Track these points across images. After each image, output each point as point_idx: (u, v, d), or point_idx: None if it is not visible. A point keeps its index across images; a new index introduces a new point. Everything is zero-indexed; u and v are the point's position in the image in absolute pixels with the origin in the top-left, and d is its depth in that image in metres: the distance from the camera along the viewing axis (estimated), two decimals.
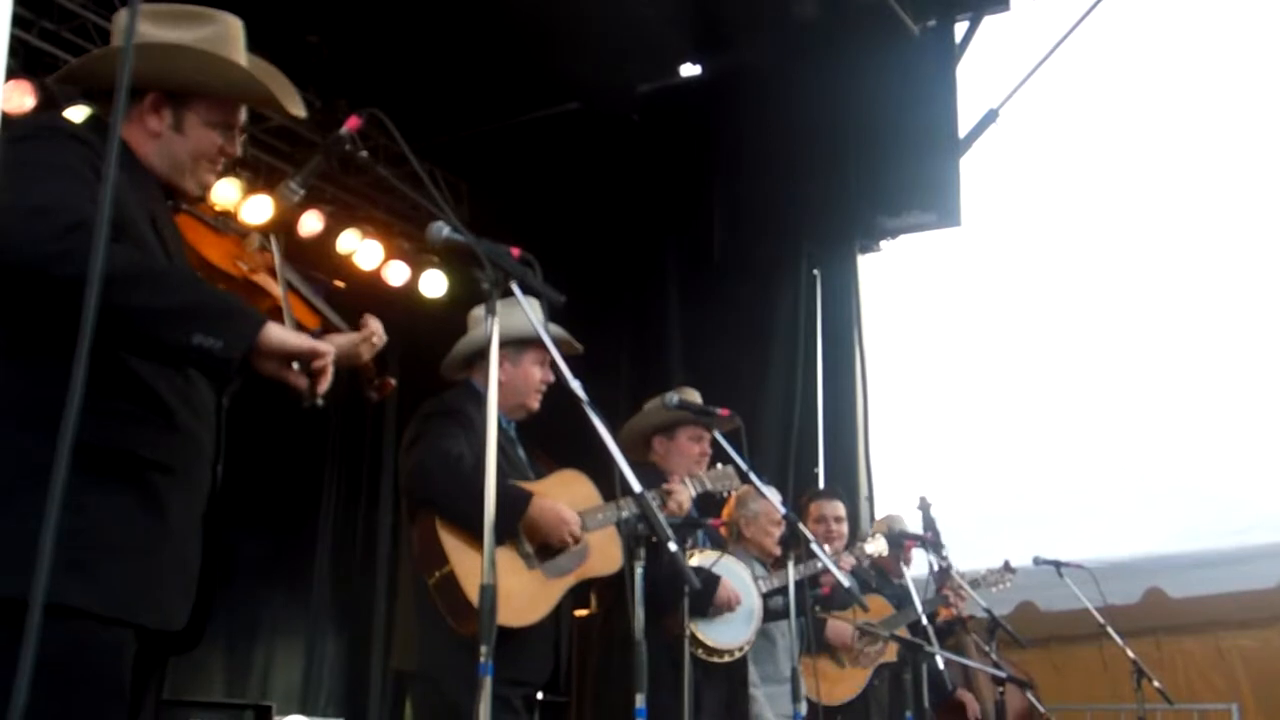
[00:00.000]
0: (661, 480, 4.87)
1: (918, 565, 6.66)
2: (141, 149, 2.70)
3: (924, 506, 7.02)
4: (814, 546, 4.95)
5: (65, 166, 2.42)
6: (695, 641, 4.80)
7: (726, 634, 4.86)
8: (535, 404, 4.29)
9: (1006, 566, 6.97)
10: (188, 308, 2.36)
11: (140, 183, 2.64)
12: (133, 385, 2.47)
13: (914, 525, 6.84)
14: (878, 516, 8.36)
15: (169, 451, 2.52)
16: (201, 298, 2.42)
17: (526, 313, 3.04)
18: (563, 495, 4.16)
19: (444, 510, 3.85)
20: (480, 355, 4.12)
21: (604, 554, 4.27)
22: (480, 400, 4.00)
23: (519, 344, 4.18)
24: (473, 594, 3.65)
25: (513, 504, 3.90)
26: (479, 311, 4.27)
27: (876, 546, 6.07)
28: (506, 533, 3.90)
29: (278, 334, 2.46)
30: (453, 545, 3.81)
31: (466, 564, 3.75)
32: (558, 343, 5.14)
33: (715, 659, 4.81)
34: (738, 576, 5.02)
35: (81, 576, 2.28)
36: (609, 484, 4.58)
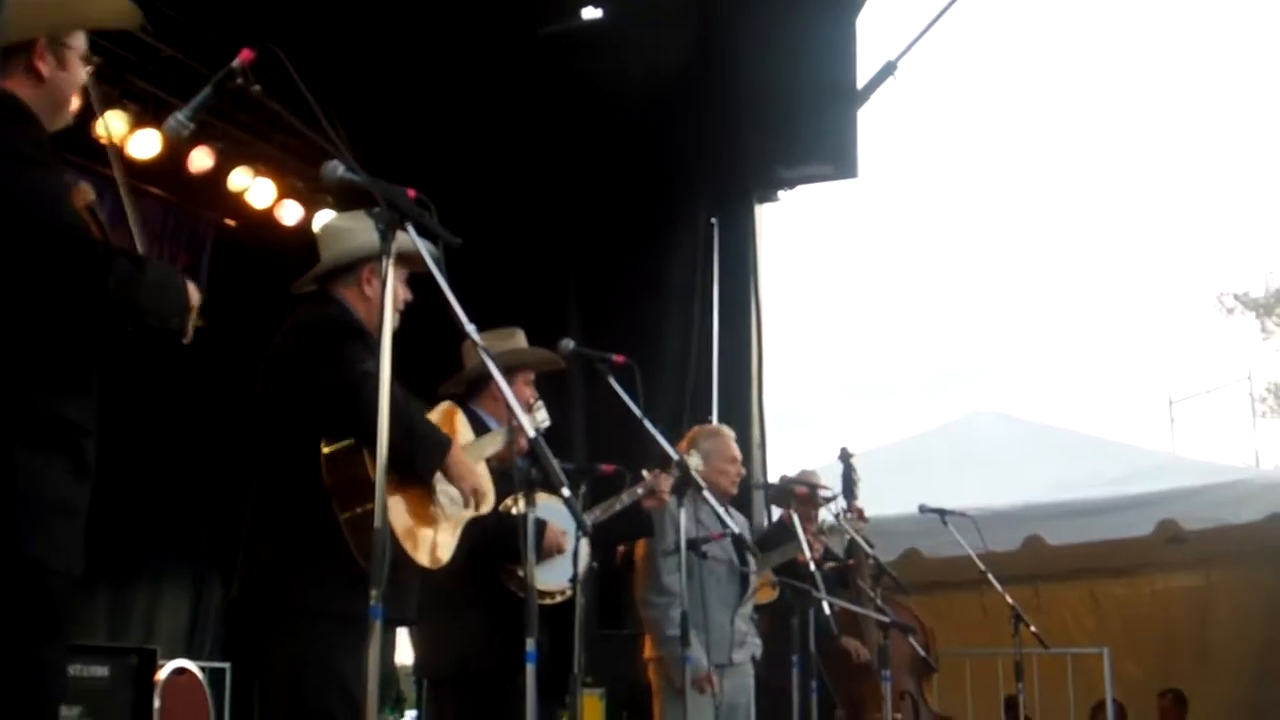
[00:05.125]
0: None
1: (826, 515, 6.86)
2: (27, 95, 2.74)
3: (844, 458, 7.14)
4: (706, 494, 5.02)
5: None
6: (522, 585, 4.77)
7: (553, 575, 4.88)
8: (396, 322, 4.20)
9: (860, 515, 7.04)
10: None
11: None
12: (62, 352, 2.70)
13: (832, 477, 6.98)
14: (770, 464, 8.49)
15: (89, 415, 2.78)
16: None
17: (418, 247, 3.01)
18: (444, 428, 4.13)
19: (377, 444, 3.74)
20: (350, 270, 4.04)
21: (481, 494, 4.23)
22: (350, 317, 3.96)
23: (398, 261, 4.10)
24: (400, 534, 3.66)
25: (438, 446, 3.86)
26: (339, 223, 4.21)
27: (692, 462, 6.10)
28: (431, 474, 3.86)
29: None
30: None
31: (394, 504, 3.67)
32: (544, 361, 5.25)
33: (544, 600, 4.83)
34: (563, 517, 5.03)
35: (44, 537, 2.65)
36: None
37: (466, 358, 5.19)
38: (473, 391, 5.18)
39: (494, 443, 4.55)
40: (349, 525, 3.61)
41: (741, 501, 6.85)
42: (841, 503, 6.90)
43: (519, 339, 5.40)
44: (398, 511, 3.72)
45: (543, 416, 4.98)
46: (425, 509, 3.90)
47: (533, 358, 5.31)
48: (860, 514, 7.03)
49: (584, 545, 5.07)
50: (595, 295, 8.54)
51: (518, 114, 8.72)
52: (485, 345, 5.13)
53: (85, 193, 2.85)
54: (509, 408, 3.11)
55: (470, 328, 3.06)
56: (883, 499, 7.84)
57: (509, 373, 5.19)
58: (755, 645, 6.19)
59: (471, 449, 4.30)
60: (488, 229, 7.64)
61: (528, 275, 8.53)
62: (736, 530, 5.52)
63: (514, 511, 4.57)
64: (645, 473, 5.45)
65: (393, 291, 2.88)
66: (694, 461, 5.81)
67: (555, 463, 3.05)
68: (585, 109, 8.62)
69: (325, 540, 3.61)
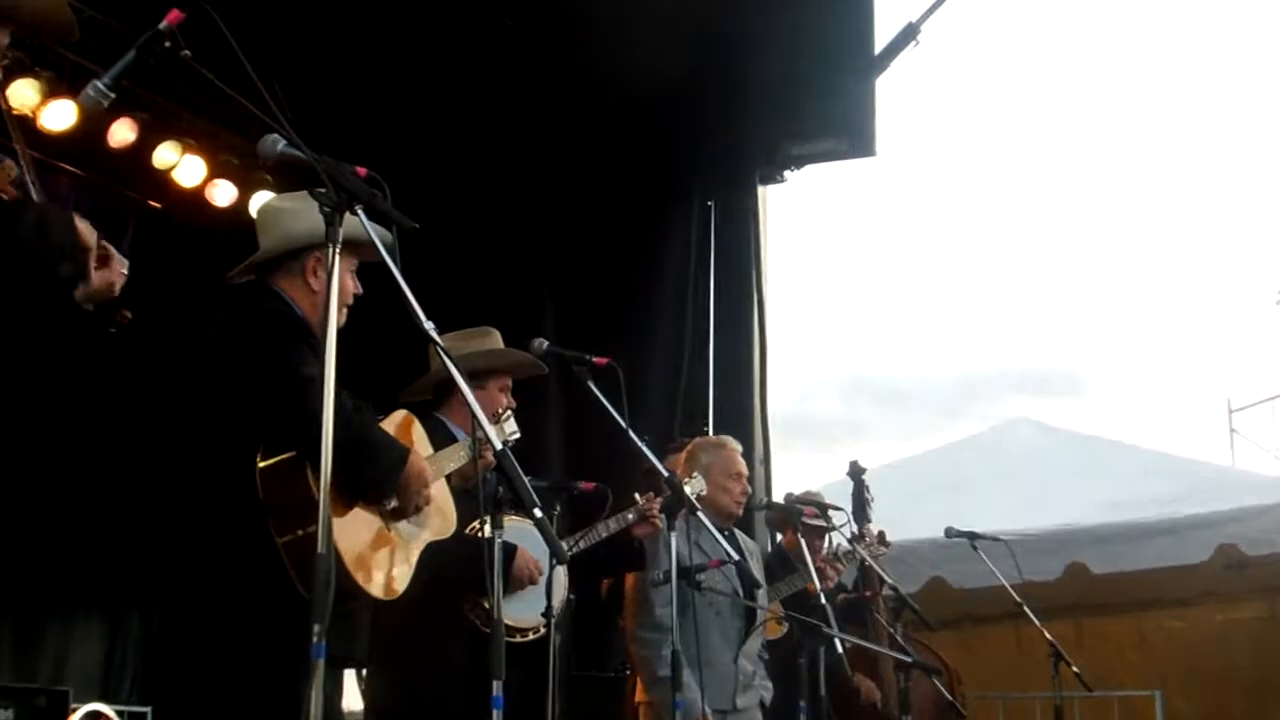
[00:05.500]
0: None
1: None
2: None
3: (856, 473, 7.18)
4: (701, 517, 5.03)
5: None
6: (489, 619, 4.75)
7: (525, 609, 4.89)
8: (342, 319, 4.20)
9: (881, 539, 7.12)
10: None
11: None
12: None
13: (836, 499, 7.01)
14: (776, 483, 8.51)
15: None
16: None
17: (369, 233, 3.03)
18: (401, 439, 4.13)
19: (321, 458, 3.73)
20: (292, 259, 4.05)
21: (441, 514, 4.27)
22: (291, 312, 3.97)
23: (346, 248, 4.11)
24: (349, 561, 3.65)
25: (394, 458, 3.87)
26: (280, 205, 4.20)
27: (694, 487, 6.11)
28: (385, 490, 3.87)
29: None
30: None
31: (340, 526, 3.65)
32: (522, 365, 5.26)
33: (514, 639, 4.83)
34: (537, 543, 5.02)
35: None
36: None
37: (434, 361, 5.21)
38: (440, 399, 5.21)
39: (456, 457, 4.56)
40: (288, 550, 3.59)
41: (743, 523, 6.86)
42: (852, 526, 6.91)
43: (493, 340, 5.41)
44: (346, 535, 3.70)
45: (511, 427, 4.99)
46: (378, 532, 3.90)
47: (506, 361, 5.32)
48: (881, 538, 7.06)
49: (560, 575, 5.09)
50: (574, 289, 8.54)
51: (488, 88, 8.66)
52: (452, 346, 5.21)
53: (9, 170, 2.87)
54: (473, 417, 3.11)
55: (428, 325, 3.06)
56: (903, 521, 7.87)
57: (480, 377, 5.22)
58: (765, 689, 6.16)
59: (430, 464, 4.28)
60: (452, 217, 7.66)
61: (497, 267, 8.48)
62: (736, 557, 5.52)
63: (481, 535, 4.58)
64: (637, 496, 5.47)
65: (340, 283, 2.89)
66: (696, 485, 5.85)
67: (526, 480, 3.04)
68: (565, 81, 8.56)
69: (260, 568, 3.60)
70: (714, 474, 6.13)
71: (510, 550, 4.85)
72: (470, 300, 7.54)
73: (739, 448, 6.41)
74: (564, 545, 4.77)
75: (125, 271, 3.11)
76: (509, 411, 5.07)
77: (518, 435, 4.98)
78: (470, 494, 4.46)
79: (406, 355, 5.06)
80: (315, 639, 2.64)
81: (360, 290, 4.12)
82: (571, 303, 8.43)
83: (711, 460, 6.20)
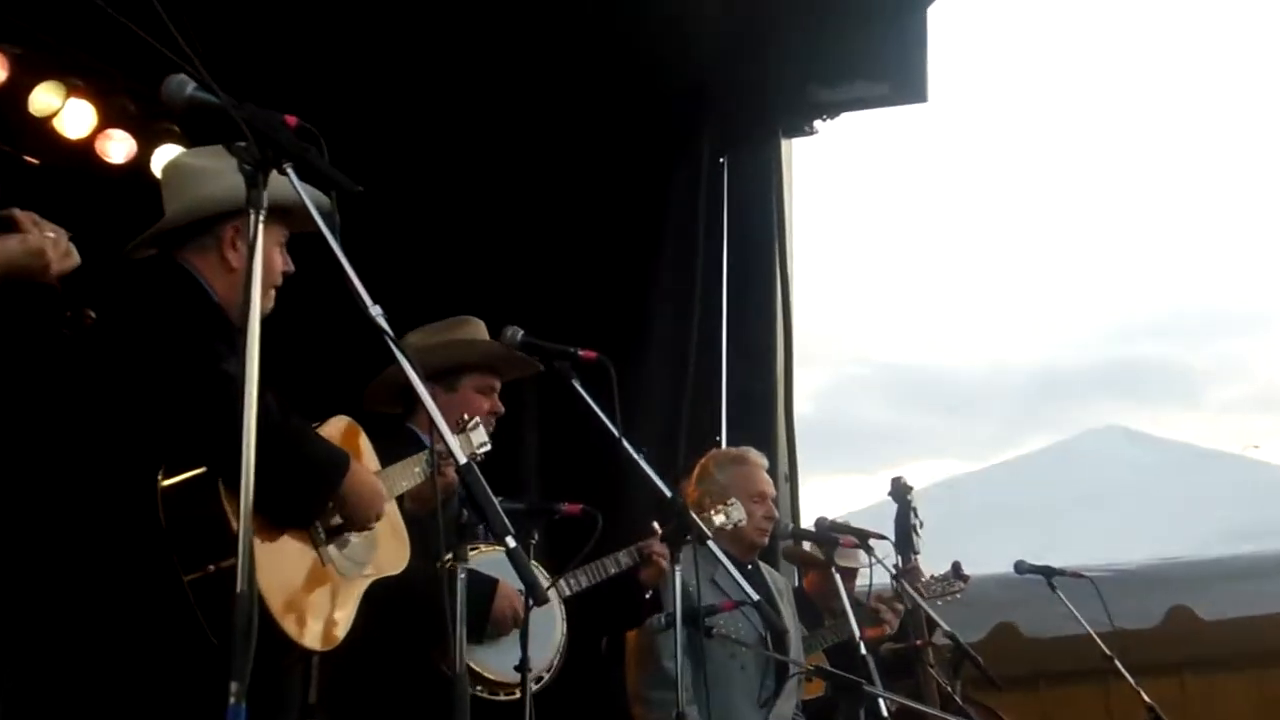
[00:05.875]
0: None
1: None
2: None
3: (900, 491, 7.19)
4: (713, 547, 5.04)
5: None
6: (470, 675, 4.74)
7: (508, 660, 4.85)
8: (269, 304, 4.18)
9: (956, 571, 7.14)
10: None
11: None
12: None
13: (878, 524, 7.00)
14: (805, 506, 8.53)
15: None
16: None
17: (300, 195, 3.04)
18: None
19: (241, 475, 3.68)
20: (205, 229, 4.07)
21: (392, 544, 4.29)
22: (203, 295, 3.97)
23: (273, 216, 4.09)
24: (276, 603, 3.64)
25: (331, 466, 3.88)
26: (190, 163, 4.22)
27: (728, 517, 6.12)
28: (316, 510, 3.89)
29: None
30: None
31: (266, 559, 3.60)
32: (495, 358, 5.25)
33: (497, 697, 4.84)
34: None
35: None
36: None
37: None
38: (412, 407, 5.22)
39: (409, 474, 4.57)
40: (198, 589, 3.58)
41: (767, 554, 6.88)
42: (896, 559, 6.91)
43: (473, 330, 5.42)
44: (272, 570, 3.69)
45: (481, 438, 5.01)
46: (312, 566, 3.90)
47: (474, 354, 5.35)
48: (956, 570, 7.12)
49: (556, 615, 5.12)
50: (555, 268, 8.52)
51: (451, 22, 8.60)
52: (422, 341, 5.24)
53: None
54: (431, 425, 3.12)
55: (375, 310, 3.06)
56: (962, 554, 7.85)
57: (450, 377, 5.27)
58: None
59: (378, 482, 4.28)
60: (404, 183, 7.69)
61: (460, 243, 8.49)
62: (757, 596, 5.51)
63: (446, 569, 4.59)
64: (657, 526, 5.47)
65: (265, 259, 2.88)
66: (733, 514, 5.88)
67: (496, 501, 3.05)
68: (544, 15, 8.46)
69: (161, 611, 3.59)
70: (732, 495, 6.15)
71: (489, 585, 4.87)
72: (430, 280, 7.56)
73: (762, 462, 6.48)
74: (551, 581, 4.82)
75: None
76: (477, 419, 5.07)
77: (488, 447, 5.00)
78: (428, 520, 4.41)
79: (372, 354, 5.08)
80: (233, 699, 2.64)
81: (291, 268, 4.13)
82: (552, 285, 8.39)
83: (729, 478, 6.26)
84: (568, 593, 5.37)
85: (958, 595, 7.09)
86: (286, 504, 3.72)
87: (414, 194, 8.34)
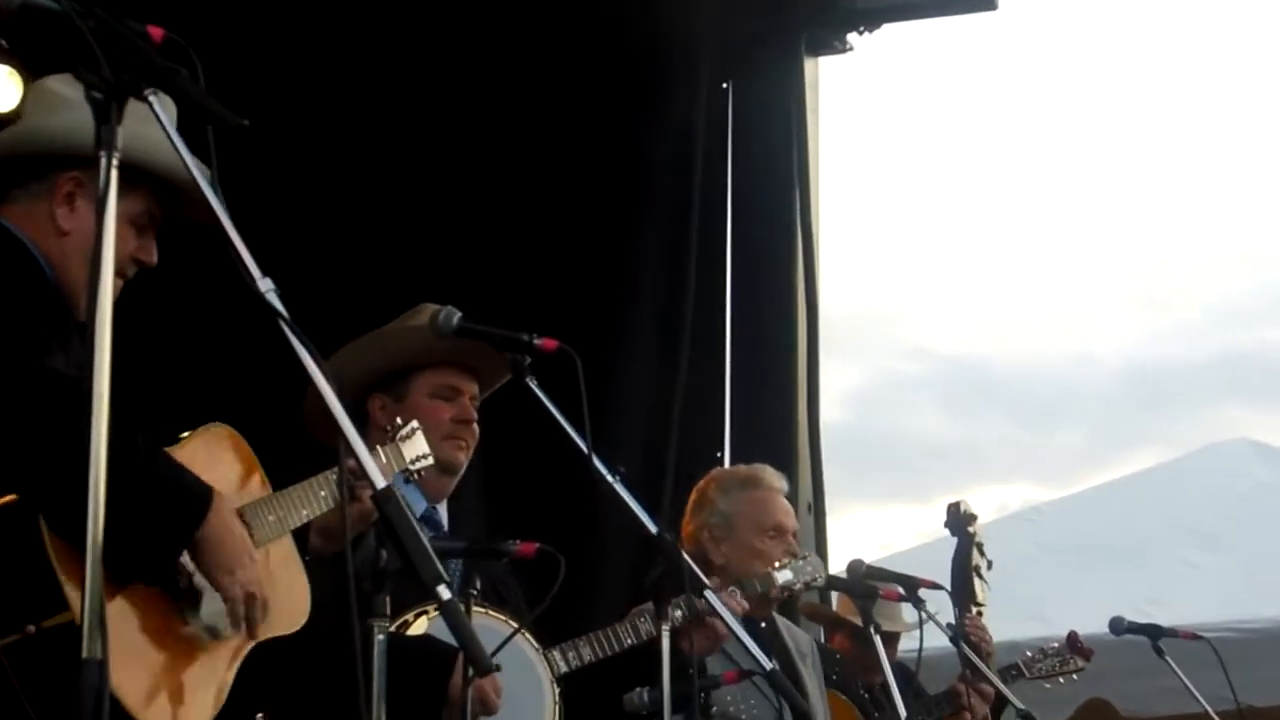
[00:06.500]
0: None
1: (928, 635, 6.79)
2: None
3: (960, 522, 7.15)
4: (714, 600, 4.97)
5: None
6: None
7: None
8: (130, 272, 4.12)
9: (1073, 643, 7.11)
10: None
11: None
12: None
13: (931, 566, 6.97)
14: (836, 542, 8.52)
15: None
16: None
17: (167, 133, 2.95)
18: (213, 471, 4.08)
19: (67, 512, 3.65)
20: (34, 176, 4.01)
21: (283, 594, 4.22)
22: (27, 264, 3.91)
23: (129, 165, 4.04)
24: (119, 678, 3.41)
25: (187, 503, 3.82)
26: (54, 86, 4.09)
27: (796, 575, 6.09)
28: (166, 560, 3.81)
29: None
30: (77, 574, 3.66)
31: (114, 617, 3.58)
32: (475, 353, 5.18)
33: None
34: (496, 643, 4.98)
35: None
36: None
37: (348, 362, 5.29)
38: (364, 422, 5.23)
39: (313, 500, 4.47)
40: (15, 657, 3.53)
41: (786, 608, 6.87)
42: (945, 611, 6.88)
43: (426, 318, 5.38)
44: (121, 632, 3.62)
45: (417, 450, 4.96)
46: (166, 627, 3.87)
47: (415, 346, 5.31)
48: (1073, 643, 7.10)
49: (544, 698, 5.07)
50: (511, 234, 8.48)
51: None
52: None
53: None
54: (340, 440, 3.02)
55: (264, 284, 2.96)
56: (1042, 605, 7.87)
57: (399, 381, 5.34)
58: None
59: (264, 509, 4.27)
60: (320, 129, 7.68)
61: (384, 201, 8.42)
62: (771, 664, 5.47)
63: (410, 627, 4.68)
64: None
65: (115, 221, 2.80)
66: (788, 576, 5.84)
67: (425, 537, 2.96)
68: None
69: None
70: (740, 529, 6.14)
71: (444, 655, 4.84)
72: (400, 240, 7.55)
73: (780, 485, 6.43)
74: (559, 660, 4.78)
75: None
76: (414, 425, 5.02)
77: (430, 461, 4.98)
78: (338, 562, 4.31)
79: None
80: None
81: (151, 259, 4.09)
82: (507, 259, 8.37)
83: (736, 507, 6.21)
84: (564, 669, 5.33)
85: (1074, 677, 7.06)
86: (123, 552, 3.61)
87: (337, 147, 8.34)
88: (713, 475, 6.57)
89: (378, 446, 4.81)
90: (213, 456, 4.22)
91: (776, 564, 5.84)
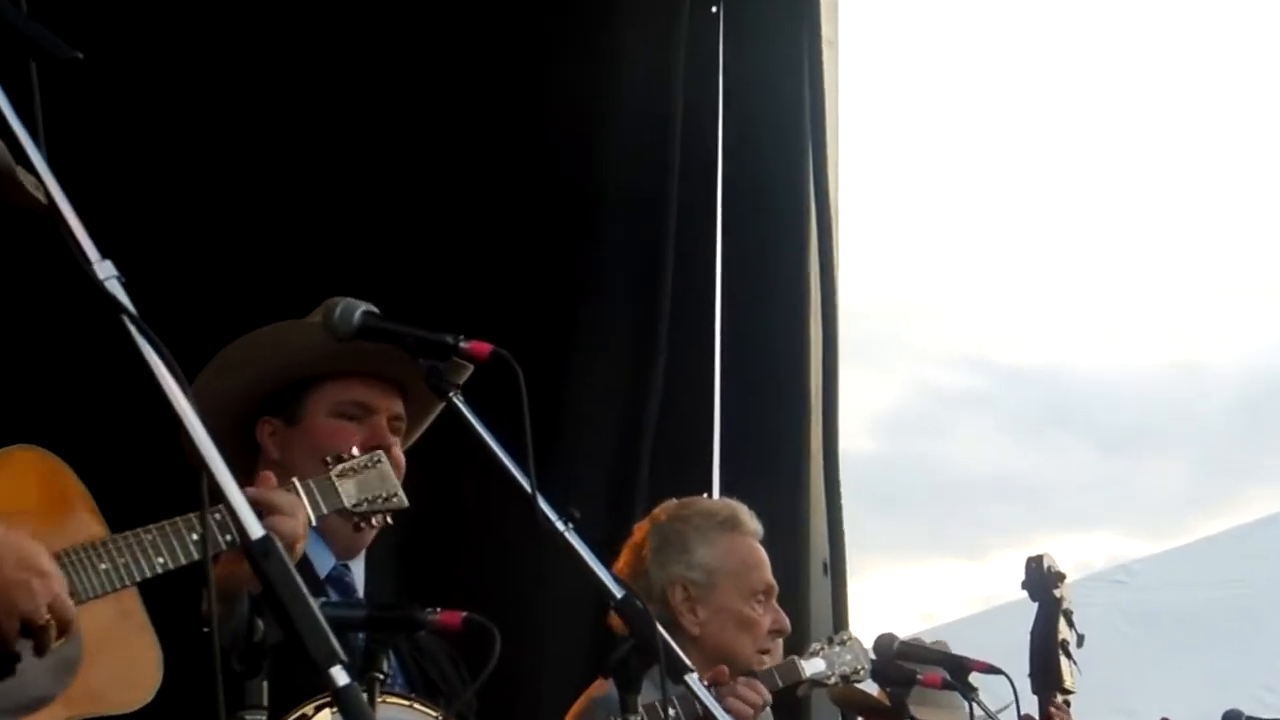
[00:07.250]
0: None
1: None
2: None
3: (1043, 580, 7.22)
4: (693, 683, 5.14)
5: None
6: None
7: None
8: None
9: None
10: None
11: None
12: None
13: (987, 642, 7.10)
14: (861, 610, 8.60)
15: None
16: None
17: None
18: (10, 507, 4.18)
19: None
20: None
21: (117, 661, 4.32)
22: None
23: None
24: None
25: None
26: None
27: (831, 666, 6.22)
28: None
29: None
30: None
31: None
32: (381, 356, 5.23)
33: None
34: None
35: None
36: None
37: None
38: (288, 448, 5.34)
39: (171, 549, 4.40)
40: None
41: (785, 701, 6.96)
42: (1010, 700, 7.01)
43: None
44: None
45: (371, 489, 4.93)
46: None
47: (309, 352, 5.30)
48: None
49: None
50: (436, 210, 8.58)
51: None
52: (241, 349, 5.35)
53: None
54: (203, 478, 3.03)
55: (101, 268, 2.96)
56: (1130, 694, 7.99)
57: (291, 399, 5.39)
58: None
59: (92, 555, 4.27)
60: (248, 97, 7.88)
61: (299, 179, 8.47)
62: None
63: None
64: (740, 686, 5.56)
65: None
66: (821, 667, 5.98)
67: (313, 602, 2.99)
68: None
69: None
70: (723, 589, 6.22)
71: None
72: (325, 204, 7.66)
73: (755, 528, 6.49)
74: None
75: None
76: (375, 455, 4.99)
77: (397, 502, 4.99)
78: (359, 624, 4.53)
79: None
80: None
81: None
82: (435, 246, 8.46)
83: (719, 559, 6.27)
84: None
85: None
86: None
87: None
88: (676, 508, 6.55)
89: (295, 481, 4.74)
90: (14, 482, 4.28)
91: (808, 650, 5.95)
